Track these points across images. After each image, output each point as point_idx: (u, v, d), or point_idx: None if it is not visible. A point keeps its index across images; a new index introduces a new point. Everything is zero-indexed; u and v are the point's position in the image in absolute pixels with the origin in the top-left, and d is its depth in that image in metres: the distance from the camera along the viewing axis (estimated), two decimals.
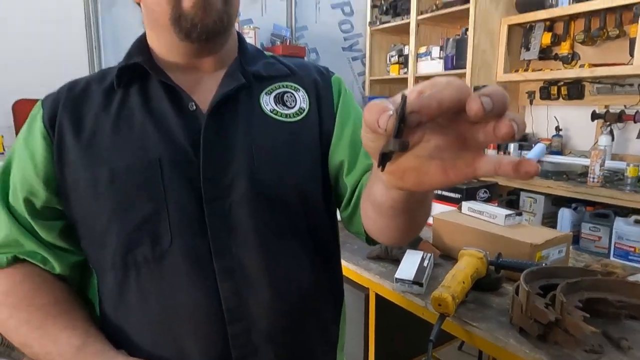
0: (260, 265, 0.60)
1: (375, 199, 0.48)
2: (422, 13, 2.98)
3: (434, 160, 0.35)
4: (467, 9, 2.62)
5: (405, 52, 3.23)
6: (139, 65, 0.63)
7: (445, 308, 0.83)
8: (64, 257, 0.64)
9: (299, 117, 0.66)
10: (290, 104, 0.67)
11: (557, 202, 2.43)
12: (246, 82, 0.65)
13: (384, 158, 0.34)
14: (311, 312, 0.66)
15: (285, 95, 0.67)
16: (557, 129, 2.73)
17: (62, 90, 0.65)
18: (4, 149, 2.21)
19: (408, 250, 1.10)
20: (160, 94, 0.62)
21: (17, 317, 0.60)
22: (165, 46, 0.65)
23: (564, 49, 2.55)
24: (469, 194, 1.58)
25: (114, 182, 0.58)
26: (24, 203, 0.62)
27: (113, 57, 2.68)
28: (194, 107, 0.62)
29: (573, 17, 2.47)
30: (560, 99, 2.66)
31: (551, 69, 2.60)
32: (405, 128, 0.31)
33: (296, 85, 0.69)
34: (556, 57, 2.61)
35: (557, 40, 2.59)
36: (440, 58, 2.94)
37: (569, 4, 2.42)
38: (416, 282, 0.96)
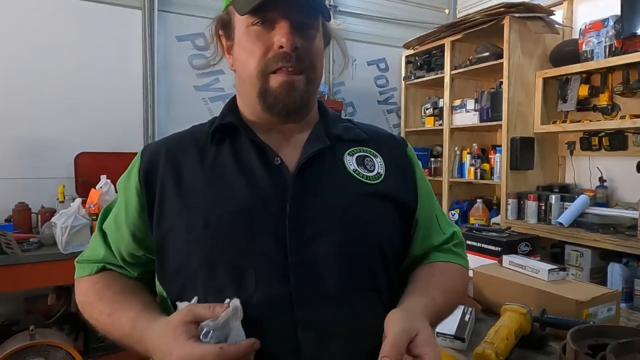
0: (340, 317, 0.62)
1: None
2: (456, 68, 3.08)
3: None
4: (501, 64, 2.69)
5: (440, 104, 3.30)
6: (232, 124, 0.71)
7: None
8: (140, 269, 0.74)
9: (377, 181, 0.71)
10: (370, 168, 0.72)
11: (606, 256, 2.32)
12: (330, 143, 0.71)
13: None
14: None
15: (366, 159, 0.73)
16: (601, 179, 2.66)
17: (161, 146, 0.73)
18: (64, 198, 2.39)
19: None
20: (249, 149, 0.69)
21: (94, 309, 0.68)
22: (253, 112, 0.72)
23: (602, 101, 2.54)
24: (510, 247, 1.55)
25: (207, 228, 0.64)
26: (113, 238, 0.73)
27: (165, 113, 2.90)
28: (279, 162, 0.68)
29: (610, 69, 2.48)
30: (602, 149, 2.61)
31: (590, 120, 2.58)
32: None
33: (374, 152, 0.75)
34: (595, 109, 2.59)
35: (595, 92, 2.58)
36: (475, 110, 2.98)
37: (605, 57, 2.44)
38: (458, 337, 0.95)
